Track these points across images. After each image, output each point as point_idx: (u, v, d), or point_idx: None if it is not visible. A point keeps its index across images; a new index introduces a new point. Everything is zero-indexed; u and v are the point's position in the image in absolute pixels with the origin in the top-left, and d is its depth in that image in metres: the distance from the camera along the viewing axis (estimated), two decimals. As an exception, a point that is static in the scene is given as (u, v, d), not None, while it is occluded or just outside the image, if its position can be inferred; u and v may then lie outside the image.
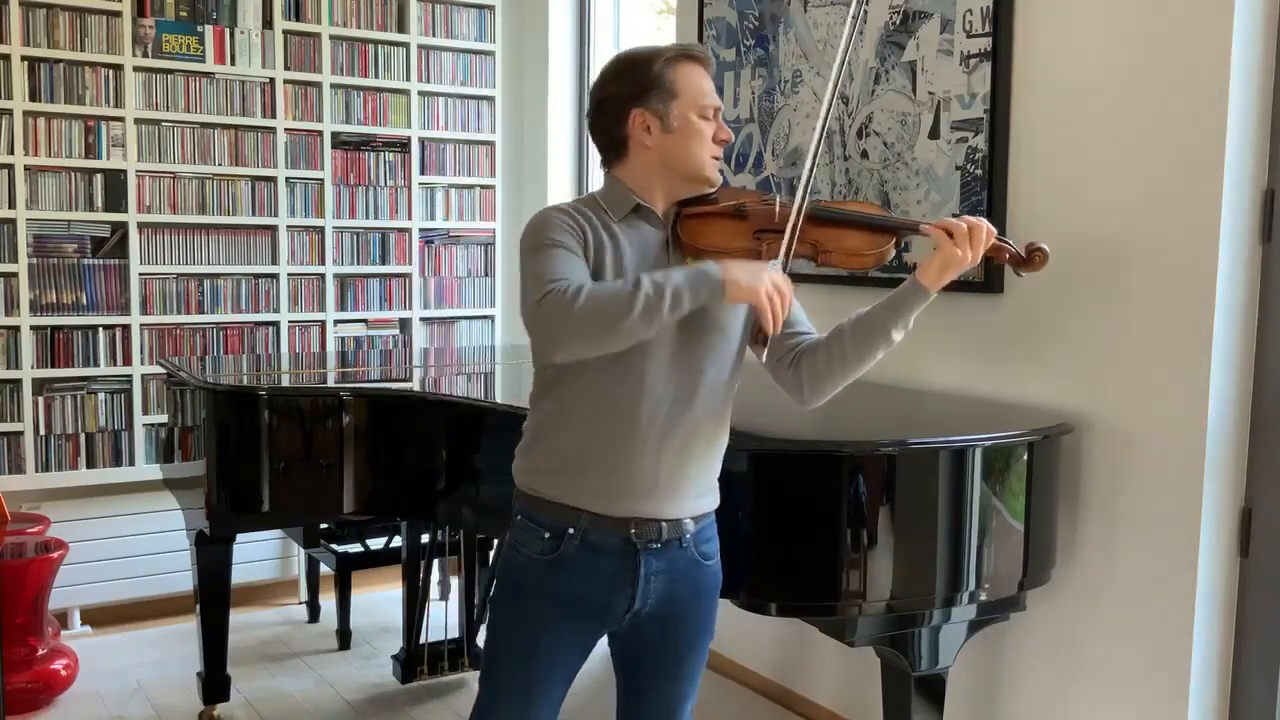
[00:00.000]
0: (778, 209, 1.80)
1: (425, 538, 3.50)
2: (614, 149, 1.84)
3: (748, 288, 1.62)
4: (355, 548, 3.84)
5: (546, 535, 1.79)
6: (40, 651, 3.34)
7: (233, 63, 4.08)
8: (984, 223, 1.76)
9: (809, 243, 1.80)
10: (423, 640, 3.48)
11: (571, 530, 1.78)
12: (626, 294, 1.59)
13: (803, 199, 1.77)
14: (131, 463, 3.97)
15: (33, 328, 3.80)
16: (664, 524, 1.79)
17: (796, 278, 1.74)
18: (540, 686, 1.83)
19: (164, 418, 3.87)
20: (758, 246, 1.78)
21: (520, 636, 1.83)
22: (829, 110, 1.83)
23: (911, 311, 1.78)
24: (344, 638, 3.87)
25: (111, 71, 3.88)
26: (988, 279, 2.67)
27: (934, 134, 2.81)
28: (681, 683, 1.91)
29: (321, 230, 4.28)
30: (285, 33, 4.17)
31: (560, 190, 4.66)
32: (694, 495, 1.83)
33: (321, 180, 4.27)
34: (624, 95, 1.80)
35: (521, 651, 1.83)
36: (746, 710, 3.41)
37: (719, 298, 1.64)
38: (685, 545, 1.83)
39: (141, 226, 3.96)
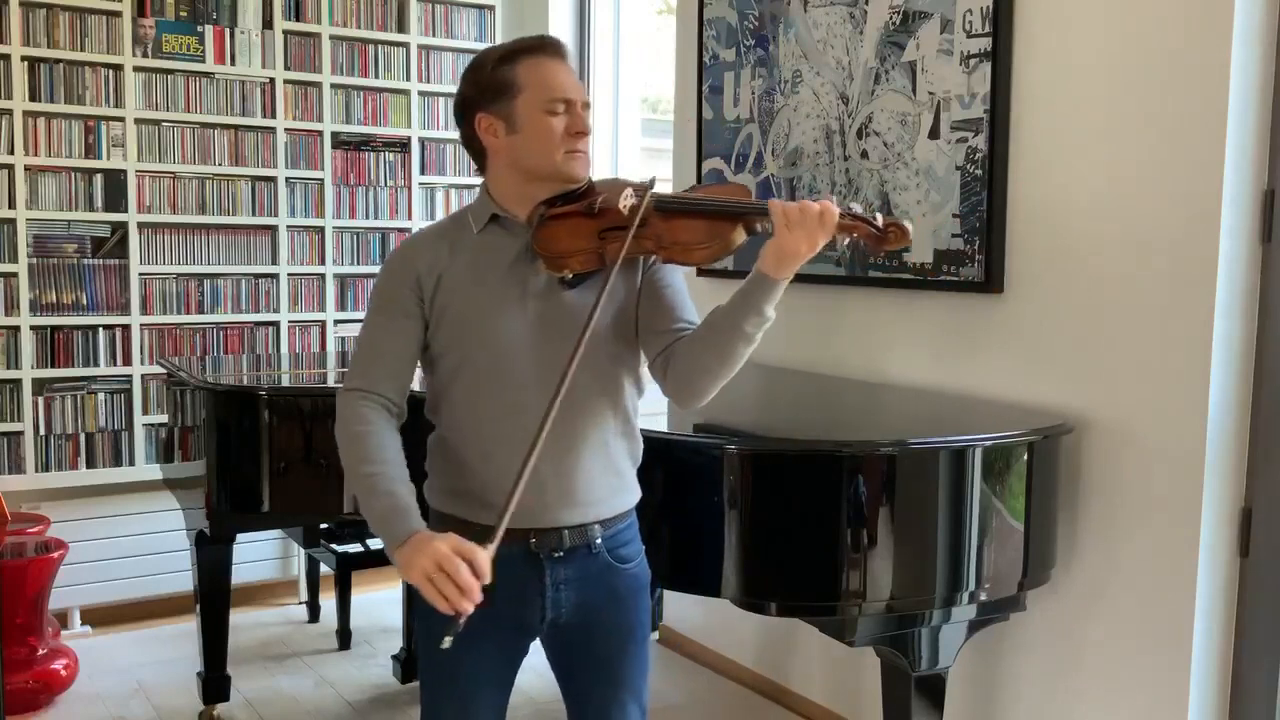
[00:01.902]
0: (625, 204, 1.67)
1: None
2: (476, 156, 1.79)
3: (406, 573, 1.56)
4: (355, 548, 3.83)
5: None
6: (40, 651, 3.34)
7: (233, 63, 4.08)
8: (818, 205, 1.56)
9: (651, 238, 1.67)
10: (423, 640, 3.48)
11: None
12: (355, 465, 1.67)
13: (643, 201, 1.65)
14: (131, 463, 3.97)
15: (33, 328, 3.80)
16: (566, 531, 1.73)
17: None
18: (471, 698, 1.81)
19: (164, 418, 3.87)
20: (600, 248, 1.67)
21: (442, 652, 1.82)
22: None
23: (763, 302, 1.62)
24: (344, 638, 3.87)
25: (111, 71, 3.88)
26: (988, 279, 2.67)
27: (934, 134, 2.81)
28: (616, 685, 1.85)
29: (321, 230, 4.28)
30: (285, 33, 4.16)
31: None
32: (594, 500, 1.75)
33: (321, 180, 4.27)
34: (469, 99, 1.74)
35: (446, 666, 1.80)
36: (737, 705, 3.40)
37: None
38: (596, 551, 1.77)
39: (141, 226, 3.96)
